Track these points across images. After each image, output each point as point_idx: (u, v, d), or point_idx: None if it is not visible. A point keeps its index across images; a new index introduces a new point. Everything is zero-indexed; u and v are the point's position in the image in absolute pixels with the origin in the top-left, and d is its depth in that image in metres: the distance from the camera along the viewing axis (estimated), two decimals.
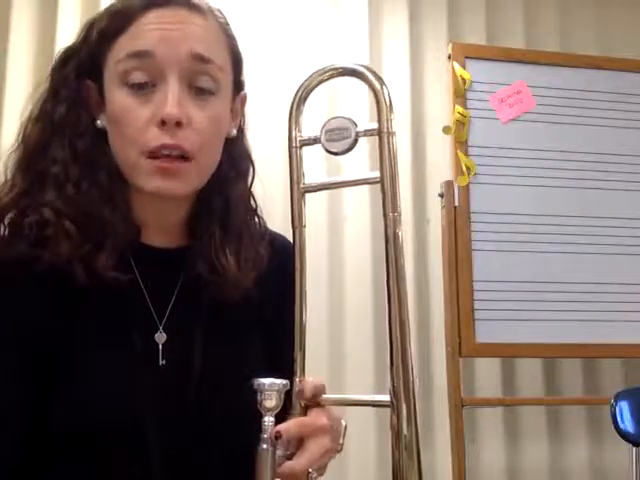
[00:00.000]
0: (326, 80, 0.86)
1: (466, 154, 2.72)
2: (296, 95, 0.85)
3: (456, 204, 2.71)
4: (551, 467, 2.97)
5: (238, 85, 1.02)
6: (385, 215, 0.79)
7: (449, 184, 2.72)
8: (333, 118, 0.85)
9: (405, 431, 0.77)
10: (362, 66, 0.84)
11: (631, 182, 2.85)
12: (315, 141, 0.84)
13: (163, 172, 0.90)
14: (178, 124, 0.90)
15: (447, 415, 2.68)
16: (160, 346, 0.93)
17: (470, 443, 2.80)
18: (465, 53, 2.82)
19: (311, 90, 0.87)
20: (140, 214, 0.96)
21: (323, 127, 0.84)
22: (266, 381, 0.79)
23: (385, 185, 0.80)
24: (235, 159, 1.02)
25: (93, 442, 0.85)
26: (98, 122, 0.96)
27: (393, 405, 0.79)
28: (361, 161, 2.73)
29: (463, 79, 2.76)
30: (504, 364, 2.98)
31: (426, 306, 2.95)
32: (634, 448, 2.34)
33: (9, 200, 0.92)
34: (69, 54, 0.98)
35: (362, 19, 3.04)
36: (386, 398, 0.80)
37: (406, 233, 2.98)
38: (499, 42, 3.13)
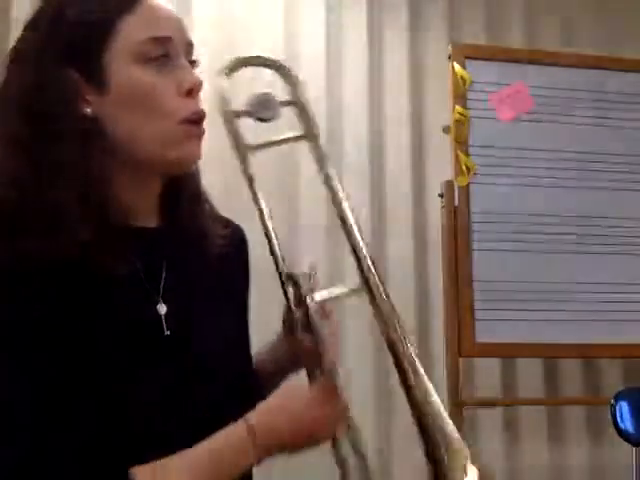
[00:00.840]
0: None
1: (466, 154, 2.72)
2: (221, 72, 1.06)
3: (456, 204, 2.71)
4: (551, 467, 2.97)
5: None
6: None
7: (449, 184, 2.72)
8: (256, 93, 1.06)
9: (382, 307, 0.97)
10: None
11: (631, 182, 2.85)
12: (248, 113, 1.03)
13: (195, 137, 0.98)
14: (198, 91, 0.99)
15: (447, 415, 2.68)
16: (163, 317, 0.97)
17: (470, 443, 2.79)
18: (465, 53, 2.82)
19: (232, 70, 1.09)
20: (127, 197, 0.98)
21: (250, 101, 1.04)
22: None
23: (313, 141, 1.01)
24: None
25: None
26: (88, 110, 0.94)
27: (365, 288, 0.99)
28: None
29: (463, 79, 2.76)
30: (504, 364, 2.98)
31: (426, 306, 2.95)
32: (634, 448, 2.34)
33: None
34: (41, 45, 0.95)
35: (362, 19, 3.04)
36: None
37: (406, 233, 2.98)
38: (499, 42, 3.14)
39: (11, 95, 0.95)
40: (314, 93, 2.90)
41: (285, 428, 0.94)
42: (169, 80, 0.96)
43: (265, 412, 0.93)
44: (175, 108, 0.96)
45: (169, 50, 0.97)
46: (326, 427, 0.97)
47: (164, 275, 1.00)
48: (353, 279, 1.01)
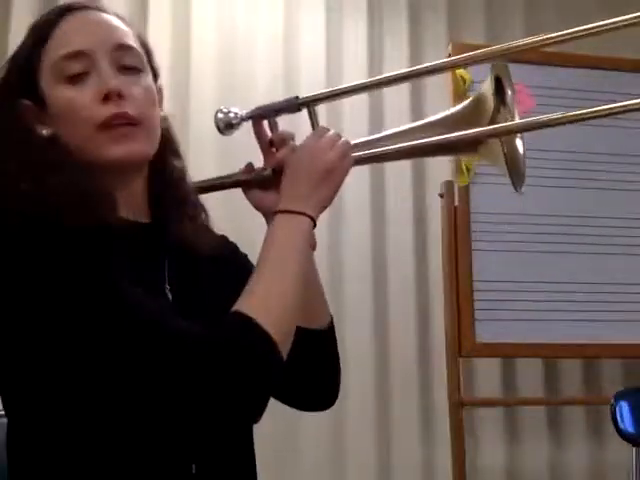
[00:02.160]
0: None
1: None
2: None
3: (456, 204, 2.71)
4: (551, 467, 2.97)
5: (155, 73, 1.13)
6: None
7: (449, 184, 2.72)
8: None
9: None
10: None
11: (631, 182, 2.85)
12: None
13: (119, 138, 1.01)
14: (120, 95, 1.01)
15: (447, 415, 2.68)
16: (171, 300, 1.04)
17: (470, 443, 2.80)
18: (465, 53, 2.81)
19: None
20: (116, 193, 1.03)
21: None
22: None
23: None
24: (173, 148, 1.15)
25: None
26: (44, 132, 1.03)
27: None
28: None
29: (463, 79, 2.76)
30: (504, 364, 2.98)
31: (426, 306, 2.95)
32: (634, 448, 2.34)
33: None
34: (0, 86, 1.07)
35: (362, 19, 3.04)
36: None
37: (406, 233, 2.98)
38: (499, 42, 3.13)
39: None
40: (314, 93, 2.90)
41: (299, 177, 1.05)
42: (87, 91, 1.01)
43: (285, 190, 1.05)
44: (90, 116, 1.00)
45: (86, 63, 1.02)
46: (335, 149, 1.07)
47: (167, 264, 1.06)
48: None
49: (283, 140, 1.14)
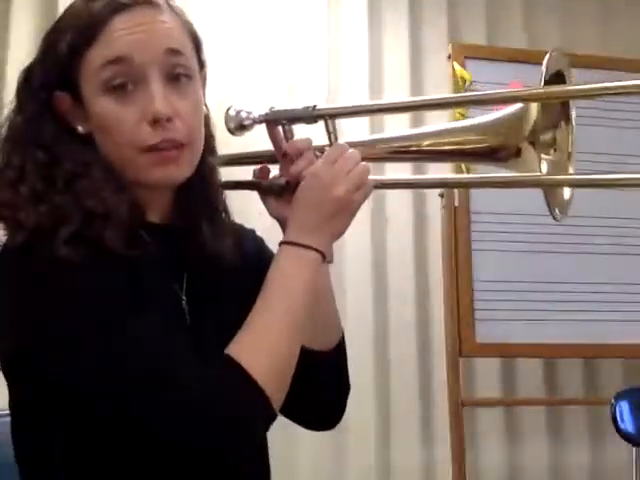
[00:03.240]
0: None
1: None
2: None
3: (456, 204, 2.71)
4: (551, 467, 2.97)
5: (201, 65, 1.08)
6: None
7: None
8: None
9: None
10: None
11: None
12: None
13: (163, 162, 0.97)
14: (168, 119, 0.96)
15: (447, 415, 2.68)
16: (186, 313, 1.02)
17: (470, 443, 2.80)
18: (465, 53, 2.82)
19: None
20: (141, 201, 1.02)
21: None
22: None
23: None
24: (211, 146, 1.10)
25: None
26: (80, 128, 1.00)
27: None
28: None
29: (463, 79, 2.76)
30: (504, 364, 2.98)
31: (426, 306, 2.95)
32: (634, 448, 2.34)
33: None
34: (31, 71, 1.02)
35: (362, 19, 3.04)
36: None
37: (406, 233, 2.98)
38: (499, 42, 3.13)
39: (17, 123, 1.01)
40: (314, 94, 2.90)
41: (309, 209, 0.99)
42: (133, 108, 0.96)
43: (292, 222, 1.00)
44: (136, 138, 0.96)
45: (130, 72, 0.96)
46: (349, 181, 1.00)
47: (186, 275, 1.04)
48: None
49: (299, 151, 1.05)
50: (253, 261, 1.12)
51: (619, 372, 3.04)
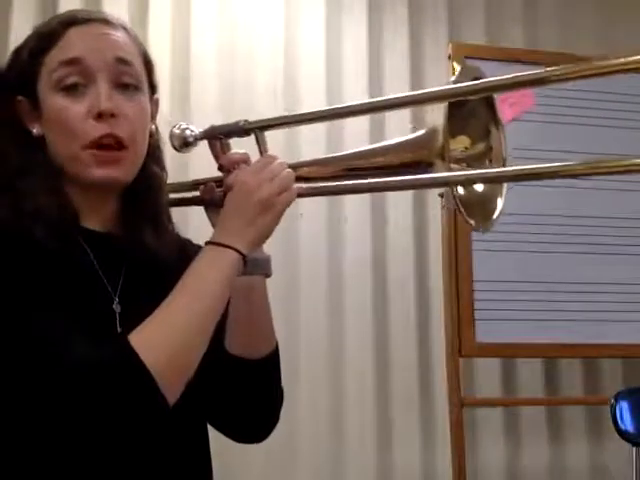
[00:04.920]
0: None
1: None
2: None
3: None
4: (551, 467, 2.97)
5: (152, 87, 1.15)
6: None
7: None
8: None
9: None
10: None
11: (631, 182, 2.83)
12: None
13: (104, 161, 1.03)
14: (113, 115, 1.03)
15: (447, 415, 2.68)
16: (117, 315, 1.05)
17: (470, 443, 2.80)
18: (465, 53, 2.82)
19: None
20: (81, 206, 1.08)
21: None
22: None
23: None
24: (157, 156, 1.16)
25: None
26: (34, 130, 1.07)
27: None
28: None
29: None
30: (504, 364, 2.98)
31: (426, 306, 2.95)
32: (634, 448, 2.34)
33: None
34: None
35: (362, 19, 3.04)
36: None
37: (406, 233, 2.98)
38: (499, 42, 3.14)
39: None
40: (314, 93, 2.90)
41: (233, 212, 1.02)
42: (82, 104, 1.04)
43: (218, 225, 1.03)
44: (79, 132, 1.03)
45: (82, 73, 1.04)
46: (273, 185, 1.02)
47: (122, 279, 1.08)
48: None
49: (232, 163, 1.12)
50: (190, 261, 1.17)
51: (619, 372, 3.04)
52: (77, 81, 1.04)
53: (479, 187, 1.13)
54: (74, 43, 1.06)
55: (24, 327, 0.92)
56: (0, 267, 0.95)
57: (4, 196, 1.01)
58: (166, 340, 0.92)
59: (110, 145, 1.03)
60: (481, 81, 1.01)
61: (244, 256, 1.00)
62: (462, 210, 1.06)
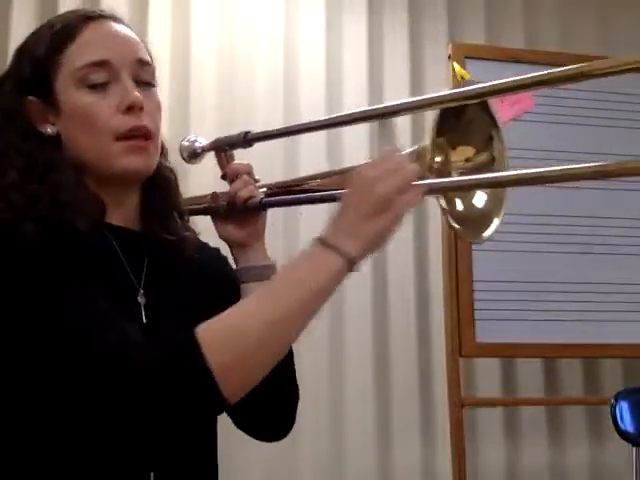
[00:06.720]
0: None
1: None
2: None
3: None
4: (551, 467, 2.97)
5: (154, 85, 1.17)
6: None
7: None
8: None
9: None
10: None
11: (632, 182, 2.83)
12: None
13: (135, 150, 1.05)
14: (141, 108, 1.06)
15: (447, 415, 2.68)
16: (142, 307, 1.07)
17: (470, 443, 2.80)
18: (465, 53, 2.82)
19: None
20: (106, 200, 1.08)
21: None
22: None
23: None
24: (165, 154, 1.18)
25: None
26: (48, 130, 1.07)
27: None
28: None
29: (463, 79, 2.76)
30: (504, 364, 2.98)
31: (426, 306, 2.95)
32: (634, 448, 2.34)
33: None
34: (3, 79, 1.11)
35: (362, 19, 3.04)
36: None
37: (406, 233, 2.98)
38: (499, 42, 3.14)
39: None
40: (314, 93, 2.90)
41: (351, 213, 0.93)
42: (109, 100, 1.06)
43: (329, 221, 0.95)
44: (111, 125, 1.05)
45: (108, 73, 1.06)
46: (392, 180, 0.94)
47: (145, 271, 1.10)
48: None
49: (235, 173, 1.16)
50: (214, 276, 1.18)
51: (619, 372, 3.04)
52: (104, 80, 1.06)
53: (479, 202, 1.14)
54: (96, 42, 1.07)
55: (71, 312, 0.92)
56: (42, 255, 0.95)
57: (37, 188, 1.01)
58: (233, 337, 0.89)
59: (140, 136, 1.06)
60: (484, 84, 1.02)
61: (352, 259, 0.92)
62: (454, 224, 1.11)
